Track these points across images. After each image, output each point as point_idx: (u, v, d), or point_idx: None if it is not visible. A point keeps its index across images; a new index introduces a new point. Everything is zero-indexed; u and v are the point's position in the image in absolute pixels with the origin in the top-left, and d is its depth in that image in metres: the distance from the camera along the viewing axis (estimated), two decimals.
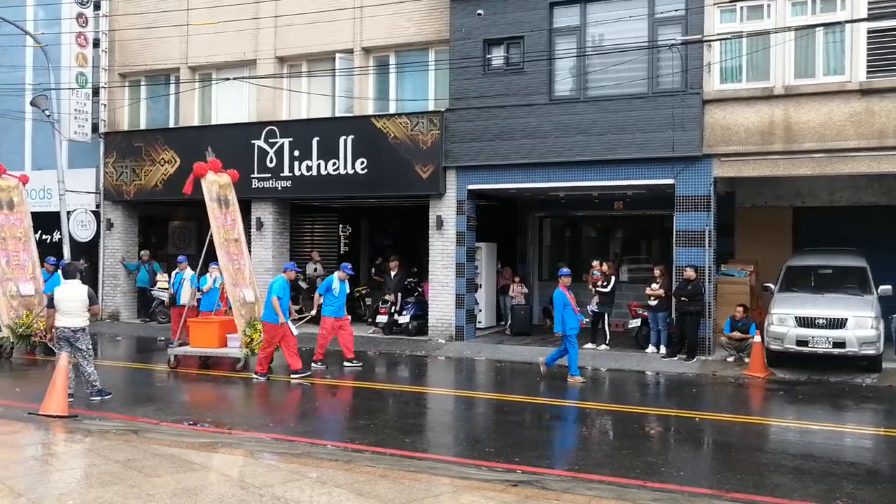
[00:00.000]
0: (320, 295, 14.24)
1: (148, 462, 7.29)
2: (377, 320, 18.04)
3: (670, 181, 15.13)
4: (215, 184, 14.66)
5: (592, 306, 16.33)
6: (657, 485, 7.32)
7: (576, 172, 15.86)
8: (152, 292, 20.57)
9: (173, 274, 17.89)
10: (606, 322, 16.19)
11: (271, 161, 18.46)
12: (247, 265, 14.83)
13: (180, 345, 14.25)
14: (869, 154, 13.95)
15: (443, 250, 17.10)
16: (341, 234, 21.81)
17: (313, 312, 14.61)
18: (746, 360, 14.04)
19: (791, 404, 11.64)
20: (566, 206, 19.78)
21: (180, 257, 17.68)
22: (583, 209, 19.91)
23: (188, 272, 16.86)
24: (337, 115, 18.57)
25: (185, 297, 16.49)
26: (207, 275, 15.92)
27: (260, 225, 19.08)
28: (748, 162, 14.71)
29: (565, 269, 13.48)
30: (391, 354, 15.92)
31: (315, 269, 20.15)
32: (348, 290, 14.55)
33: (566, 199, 18.85)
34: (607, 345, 15.90)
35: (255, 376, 12.88)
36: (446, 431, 9.99)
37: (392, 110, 17.89)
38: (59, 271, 15.28)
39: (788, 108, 14.40)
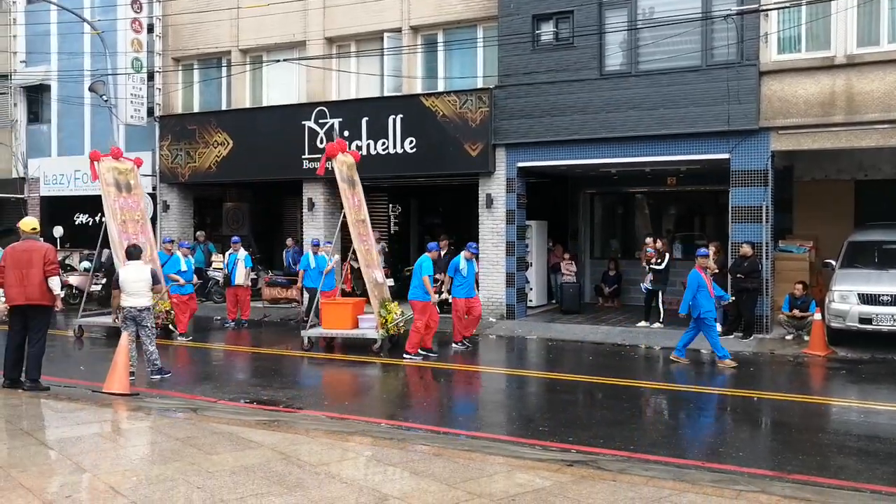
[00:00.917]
0: (449, 277, 13.96)
1: (207, 440, 7.42)
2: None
3: (725, 155, 14.77)
4: (344, 164, 14.58)
5: (646, 283, 16.11)
6: (716, 465, 7.20)
7: (627, 148, 15.59)
8: (208, 272, 20.91)
9: (227, 255, 18.15)
10: (661, 300, 15.93)
11: (321, 141, 18.51)
12: (373, 246, 14.99)
13: (311, 326, 14.25)
14: None
15: (493, 229, 17.00)
16: (391, 213, 21.83)
17: (445, 295, 14.62)
18: (806, 338, 13.71)
19: (853, 384, 11.33)
20: (618, 182, 19.50)
21: (234, 238, 17.92)
22: (635, 185, 19.61)
23: (242, 252, 17.07)
24: (385, 94, 18.55)
25: (240, 277, 16.72)
26: (325, 254, 16.02)
27: (311, 205, 19.21)
28: (807, 134, 14.27)
29: (703, 250, 13.03)
30: (441, 333, 15.85)
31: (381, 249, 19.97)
32: (476, 270, 14.38)
33: (618, 176, 18.58)
34: (661, 323, 15.65)
35: (408, 356, 12.84)
36: (499, 410, 9.95)
37: (440, 88, 17.79)
38: (178, 251, 15.65)
39: (851, 78, 13.91)
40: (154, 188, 21.78)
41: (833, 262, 14.32)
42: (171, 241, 17.00)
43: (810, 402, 10.03)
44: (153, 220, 21.64)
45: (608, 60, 15.82)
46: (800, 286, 14.31)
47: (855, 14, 13.87)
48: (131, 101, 20.85)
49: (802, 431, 8.64)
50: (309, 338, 13.92)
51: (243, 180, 21.00)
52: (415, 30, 18.13)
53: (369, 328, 13.68)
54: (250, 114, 20.20)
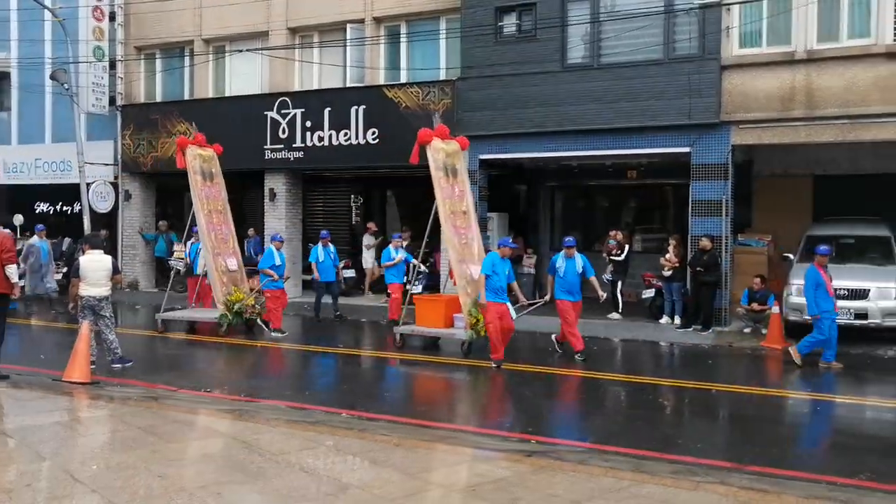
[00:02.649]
0: (551, 276, 12.48)
1: (168, 428, 7.36)
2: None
3: (686, 149, 14.91)
4: (442, 152, 13.32)
5: (606, 275, 16.24)
6: (674, 457, 7.22)
7: (589, 141, 15.67)
8: (169, 262, 20.65)
9: (189, 244, 17.91)
10: (619, 291, 16.06)
11: (283, 132, 18.38)
12: (475, 239, 13.54)
13: (404, 323, 13.64)
14: (894, 120, 13.64)
15: None
16: (353, 204, 21.72)
17: (547, 298, 12.65)
18: (763, 331, 13.88)
19: (809, 376, 11.49)
20: (579, 175, 19.56)
21: (195, 227, 17.63)
22: (596, 178, 19.65)
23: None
24: (348, 85, 18.43)
25: (201, 267, 16.52)
26: (391, 247, 15.84)
27: (273, 196, 19.07)
28: (768, 129, 14.46)
29: (824, 248, 11.82)
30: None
31: (374, 240, 19.56)
32: (579, 270, 12.15)
33: (579, 169, 18.65)
34: (620, 314, 15.79)
35: (494, 364, 11.38)
36: (464, 402, 9.97)
37: (403, 80, 17.75)
38: (272, 244, 15.20)
39: (810, 73, 14.12)
40: (116, 177, 21.47)
41: (791, 256, 14.53)
42: (44, 230, 17.24)
43: (767, 394, 10.15)
44: (115, 209, 21.38)
45: (571, 53, 15.88)
46: (758, 280, 14.51)
47: (815, 9, 14.05)
48: (93, 90, 20.53)
49: (760, 423, 8.75)
50: (401, 334, 13.17)
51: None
52: (378, 21, 18.04)
53: (461, 328, 12.58)
54: (213, 104, 19.97)
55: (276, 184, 19.12)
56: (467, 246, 13.21)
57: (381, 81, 17.93)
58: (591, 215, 20.97)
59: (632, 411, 9.33)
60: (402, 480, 5.94)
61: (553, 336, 12.51)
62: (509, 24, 16.34)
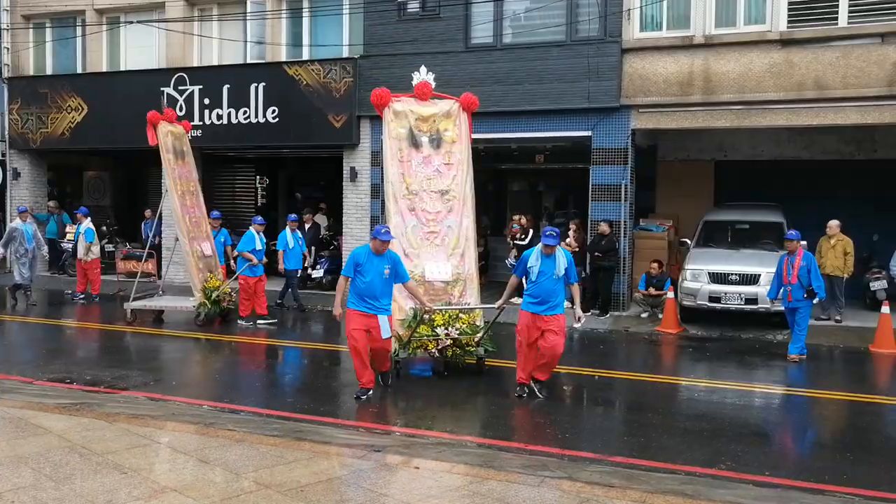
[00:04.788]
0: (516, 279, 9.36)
1: None
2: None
3: (587, 133, 14.72)
4: (170, 134, 13.68)
5: (510, 259, 16.02)
6: (537, 447, 6.97)
7: (493, 123, 15.29)
8: (61, 244, 19.71)
9: (78, 226, 17.03)
10: None
11: (181, 109, 17.54)
12: (204, 218, 14.27)
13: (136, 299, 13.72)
14: (787, 107, 13.71)
15: (357, 203, 16.53)
16: (258, 185, 21.02)
17: (503, 306, 9.41)
18: (661, 316, 13.83)
19: (698, 361, 11.45)
20: (486, 158, 19.19)
21: (80, 209, 16.78)
22: (504, 162, 19.34)
23: (84, 225, 15.92)
24: (248, 61, 17.71)
25: (80, 251, 15.74)
26: (287, 230, 14.58)
27: None
28: (666, 113, 14.37)
29: (792, 233, 11.27)
30: (284, 307, 15.30)
31: (327, 220, 18.69)
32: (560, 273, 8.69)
33: (485, 152, 18.29)
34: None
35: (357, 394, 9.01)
36: (335, 390, 9.53)
37: (305, 57, 17.10)
38: (252, 227, 13.71)
39: (708, 59, 14.05)
40: (3, 154, 20.29)
41: (689, 241, 14.52)
42: (26, 211, 15.81)
43: (651, 380, 9.99)
44: (3, 188, 20.25)
45: (474, 33, 15.50)
46: (655, 265, 14.45)
47: None
48: None
49: (637, 411, 8.59)
50: (133, 310, 13.35)
51: (100, 148, 19.78)
52: None
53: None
54: (107, 78, 19.01)
55: None
56: (197, 224, 13.86)
57: (283, 58, 17.25)
58: (502, 199, 20.71)
59: (504, 400, 8.79)
60: (227, 482, 5.51)
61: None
62: (412, 1, 15.87)
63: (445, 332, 9.54)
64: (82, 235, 15.77)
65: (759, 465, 6.68)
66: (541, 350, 8.61)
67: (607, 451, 6.98)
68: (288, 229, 14.55)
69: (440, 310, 9.52)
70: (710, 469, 6.55)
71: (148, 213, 19.14)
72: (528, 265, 8.69)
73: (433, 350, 9.61)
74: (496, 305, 9.32)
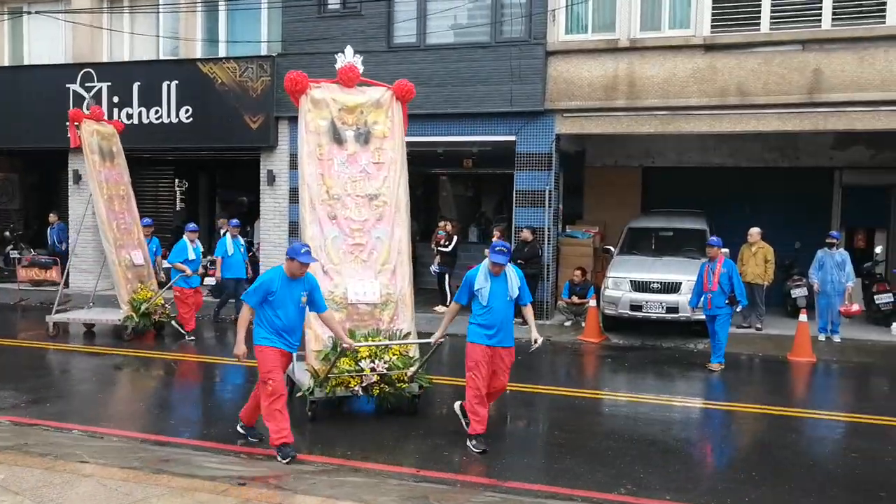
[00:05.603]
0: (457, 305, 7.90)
1: None
2: (205, 282, 16.62)
3: (511, 137, 14.32)
4: (97, 134, 12.92)
5: (434, 266, 15.55)
6: (428, 473, 6.47)
7: (416, 126, 14.71)
8: None
9: None
10: (447, 283, 15.36)
11: (88, 108, 16.62)
12: (135, 223, 13.43)
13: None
14: (711, 113, 13.52)
15: (275, 208, 15.86)
16: (177, 188, 20.16)
17: (440, 339, 7.82)
18: (584, 324, 13.50)
19: (616, 373, 11.13)
20: (414, 162, 18.65)
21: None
22: (432, 167, 18.91)
23: None
24: (161, 58, 16.88)
25: None
26: (228, 236, 13.63)
27: (77, 178, 17.31)
28: (591, 118, 14.04)
29: (713, 239, 11.06)
30: (221, 320, 14.52)
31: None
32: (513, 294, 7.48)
33: (411, 155, 17.78)
34: (447, 307, 15.06)
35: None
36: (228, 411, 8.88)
37: (222, 54, 16.36)
38: (185, 235, 12.84)
39: (633, 63, 13.77)
40: None
41: (613, 249, 14.23)
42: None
43: (566, 394, 9.58)
44: None
45: (397, 32, 14.99)
46: (579, 272, 14.11)
47: None
48: None
49: (543, 428, 8.23)
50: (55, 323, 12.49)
51: (1, 148, 18.68)
52: None
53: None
54: (8, 73, 17.93)
55: (81, 165, 17.27)
56: (127, 231, 13.03)
57: (198, 55, 16.47)
58: (432, 204, 20.24)
59: (405, 419, 8.11)
60: None
61: (458, 404, 7.87)
62: None
63: (372, 366, 7.99)
64: None
65: (660, 489, 6.29)
66: (488, 391, 7.45)
67: (505, 475, 6.51)
68: (228, 235, 13.65)
69: (362, 346, 7.96)
70: (610, 494, 6.15)
71: (52, 217, 18.14)
72: (476, 287, 7.26)
73: (356, 388, 8.05)
74: (432, 340, 7.71)
